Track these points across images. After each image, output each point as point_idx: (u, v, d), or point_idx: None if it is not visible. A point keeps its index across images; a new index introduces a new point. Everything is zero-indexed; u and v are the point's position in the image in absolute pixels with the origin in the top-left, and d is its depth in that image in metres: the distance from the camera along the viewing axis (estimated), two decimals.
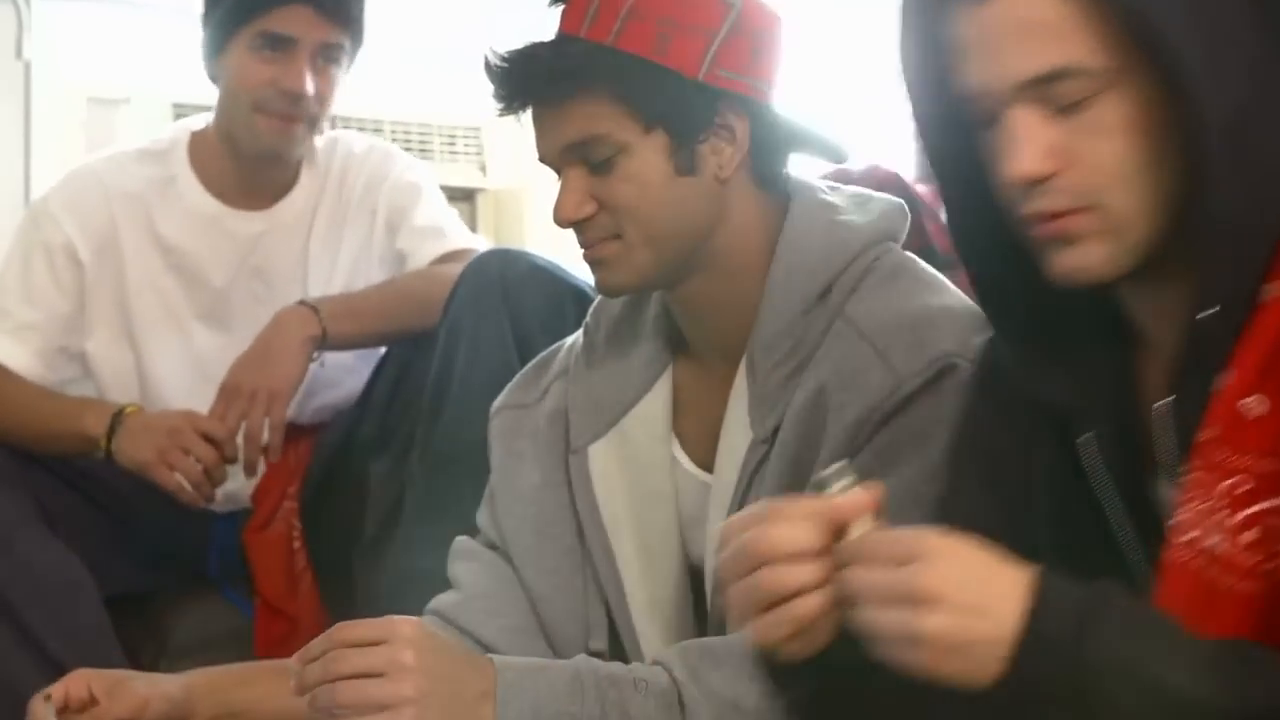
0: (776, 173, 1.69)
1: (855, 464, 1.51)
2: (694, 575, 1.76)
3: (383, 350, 2.41)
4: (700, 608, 1.74)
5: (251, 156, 2.41)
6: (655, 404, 1.75)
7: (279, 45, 2.29)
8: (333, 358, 2.39)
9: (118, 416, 2.25)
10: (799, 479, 1.58)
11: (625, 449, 1.76)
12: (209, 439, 2.18)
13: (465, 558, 1.84)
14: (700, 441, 1.73)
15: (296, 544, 2.45)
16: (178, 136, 2.49)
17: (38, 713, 1.54)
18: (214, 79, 2.39)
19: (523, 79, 1.60)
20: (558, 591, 1.80)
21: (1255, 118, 1.06)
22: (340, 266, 2.48)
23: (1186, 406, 1.13)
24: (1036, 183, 1.12)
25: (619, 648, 1.78)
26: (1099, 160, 1.10)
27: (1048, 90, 1.10)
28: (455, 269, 2.25)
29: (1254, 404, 1.06)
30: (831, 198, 1.71)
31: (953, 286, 1.64)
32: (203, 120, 2.50)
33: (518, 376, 1.89)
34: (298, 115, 2.33)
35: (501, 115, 1.64)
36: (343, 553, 2.34)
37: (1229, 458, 1.06)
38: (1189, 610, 1.06)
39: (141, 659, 2.36)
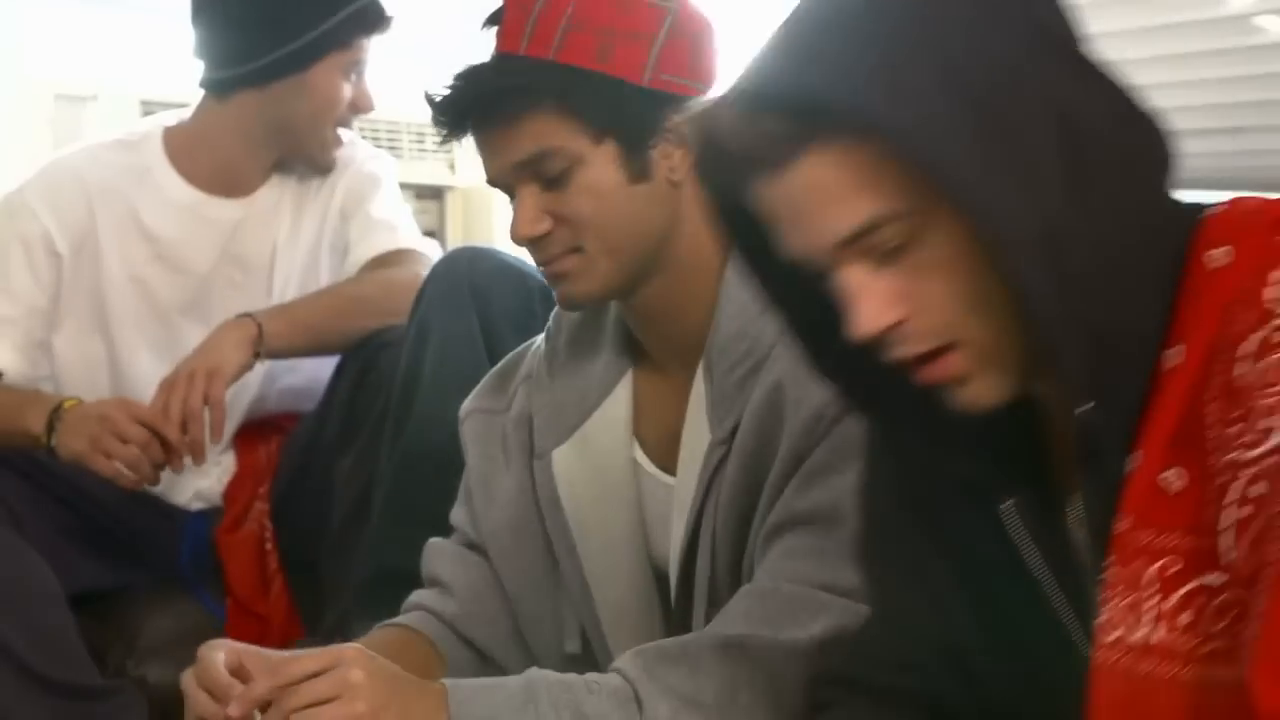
0: None
1: (812, 463, 1.53)
2: (660, 579, 1.76)
3: None
4: (667, 609, 1.75)
5: (303, 163, 2.47)
6: (616, 408, 1.76)
7: (360, 69, 2.41)
8: None
9: (56, 412, 2.24)
10: (757, 478, 1.59)
11: (588, 453, 1.77)
12: (143, 425, 2.18)
13: (449, 559, 1.85)
14: (662, 445, 1.73)
15: (269, 545, 2.45)
16: (150, 130, 2.50)
17: (215, 673, 1.48)
18: (233, 86, 2.40)
19: (469, 102, 1.59)
20: (533, 593, 1.81)
21: (1067, 227, 1.04)
22: (300, 253, 2.49)
23: (1092, 499, 1.12)
24: (888, 333, 1.10)
25: (593, 652, 1.79)
26: (939, 299, 1.08)
27: (866, 243, 1.08)
28: (397, 274, 2.27)
29: (1173, 478, 1.05)
30: None
31: None
32: (174, 116, 2.50)
33: (485, 380, 1.90)
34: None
35: (446, 141, 1.63)
36: (312, 552, 2.34)
37: (1154, 540, 1.05)
38: (1123, 714, 1.05)
39: (109, 658, 2.35)
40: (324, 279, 2.50)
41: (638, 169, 1.60)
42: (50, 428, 2.23)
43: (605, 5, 1.58)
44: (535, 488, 1.79)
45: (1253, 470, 0.99)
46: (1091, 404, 1.07)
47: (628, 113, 1.58)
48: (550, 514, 1.78)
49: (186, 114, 2.49)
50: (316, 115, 2.40)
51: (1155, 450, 1.06)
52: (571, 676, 1.50)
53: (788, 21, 1.12)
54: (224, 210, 2.46)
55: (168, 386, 2.20)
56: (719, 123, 1.12)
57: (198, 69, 2.43)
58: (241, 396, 2.43)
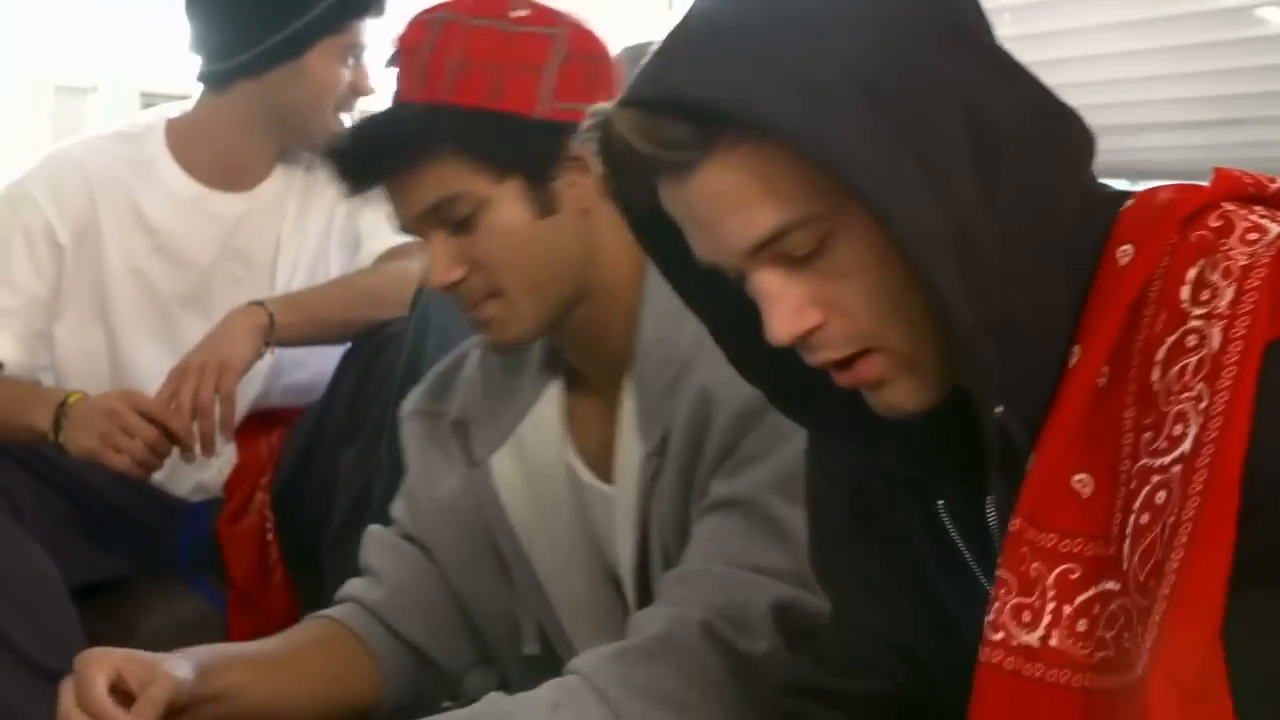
0: None
1: (739, 453, 1.52)
2: (617, 575, 1.75)
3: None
4: (627, 600, 1.73)
5: (307, 150, 2.45)
6: (547, 411, 1.74)
7: (358, 52, 2.41)
8: None
9: (61, 408, 2.24)
10: (693, 484, 1.59)
11: (524, 457, 1.76)
12: (150, 418, 2.18)
13: (383, 548, 1.84)
14: (596, 454, 1.72)
15: (270, 536, 2.45)
16: (153, 122, 2.50)
17: (96, 697, 1.49)
18: (231, 77, 2.40)
19: (367, 157, 1.58)
20: (487, 595, 1.81)
21: (979, 224, 1.03)
22: (306, 249, 2.49)
23: (1001, 499, 1.10)
24: (805, 338, 1.07)
25: (555, 649, 1.79)
26: (854, 302, 1.06)
27: (778, 248, 1.05)
28: (409, 265, 2.27)
29: (1083, 483, 1.03)
30: None
31: None
32: (177, 108, 2.50)
33: (427, 379, 1.88)
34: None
35: (352, 196, 1.61)
36: (313, 544, 2.34)
37: (1057, 544, 1.04)
38: (1005, 715, 1.04)
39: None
40: (333, 272, 2.50)
41: (545, 203, 1.58)
42: (57, 424, 2.23)
43: (491, 41, 1.56)
44: (477, 494, 1.79)
45: (1159, 478, 0.98)
46: (1003, 406, 1.05)
47: (527, 148, 1.56)
48: (494, 519, 1.78)
49: (188, 106, 2.49)
50: (314, 100, 2.40)
51: (1055, 450, 1.04)
52: (531, 697, 1.47)
53: (685, 22, 1.08)
54: (226, 204, 2.46)
55: (178, 376, 2.20)
56: (618, 128, 1.08)
57: (195, 64, 2.43)
58: (246, 390, 2.43)
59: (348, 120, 2.46)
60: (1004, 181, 1.04)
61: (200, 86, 2.46)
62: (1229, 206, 1.04)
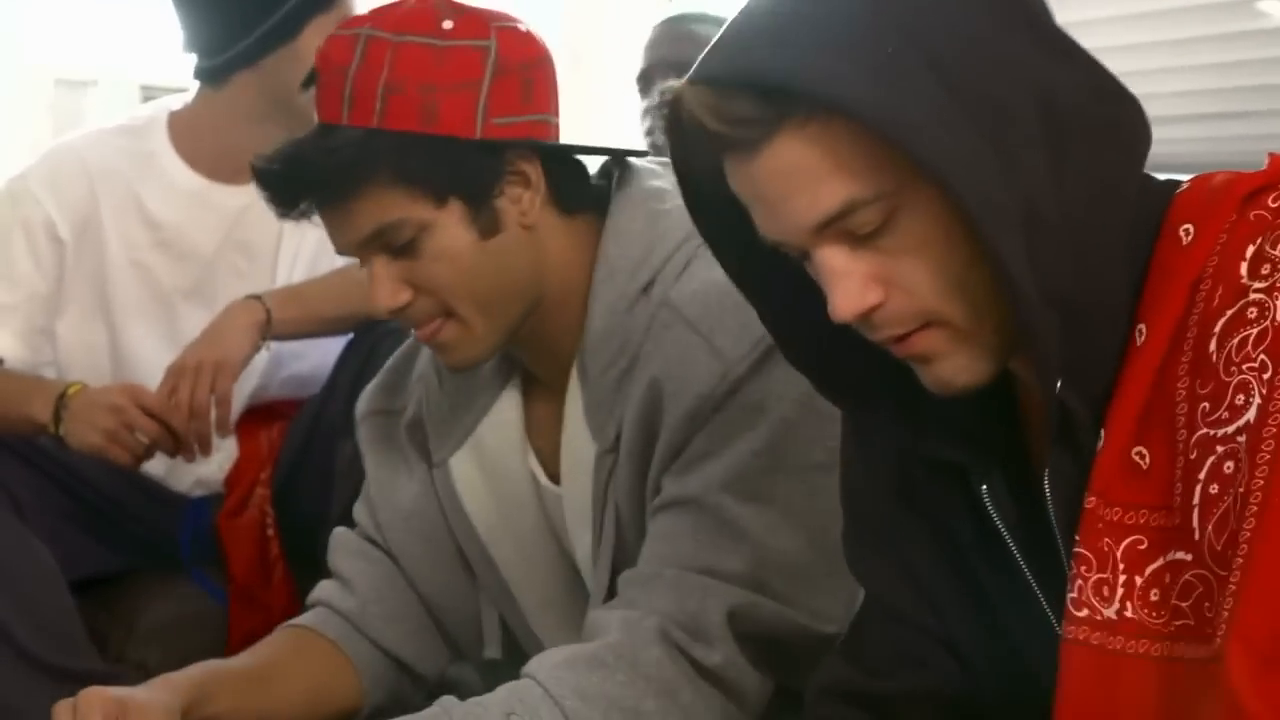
0: (580, 194, 1.63)
1: (690, 450, 1.52)
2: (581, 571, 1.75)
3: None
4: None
5: (254, 174, 2.41)
6: (505, 411, 1.73)
7: None
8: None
9: (61, 400, 2.24)
10: (647, 478, 1.57)
11: (484, 457, 1.75)
12: (152, 414, 2.18)
13: (351, 554, 1.82)
14: (553, 455, 1.70)
15: (270, 531, 2.45)
16: (155, 115, 2.48)
17: None
18: (231, 67, 2.38)
19: (298, 186, 1.53)
20: (452, 599, 1.80)
21: (1047, 203, 1.04)
22: (307, 242, 2.48)
23: (1062, 476, 1.11)
24: (867, 315, 1.08)
25: (517, 652, 1.78)
26: (917, 279, 1.07)
27: (843, 225, 1.06)
28: None
29: (1142, 454, 1.05)
30: (660, 181, 1.65)
31: None
32: (179, 100, 2.49)
33: (380, 377, 1.86)
34: None
35: (284, 219, 1.57)
36: (313, 539, 2.34)
37: (1122, 517, 1.05)
38: (1092, 690, 1.05)
39: (110, 643, 2.35)
40: (336, 263, 2.48)
41: (487, 224, 1.54)
42: (57, 416, 2.23)
43: (421, 59, 1.50)
44: (438, 495, 1.77)
45: (1224, 448, 0.99)
46: (1063, 381, 1.07)
47: (466, 171, 1.51)
48: (456, 521, 1.76)
49: (190, 98, 2.48)
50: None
51: (1122, 427, 1.06)
52: (482, 704, 1.47)
53: (751, 2, 1.10)
54: (228, 196, 2.45)
55: (175, 375, 2.20)
56: (688, 106, 1.09)
57: (191, 62, 2.42)
58: (244, 384, 2.43)
59: None
60: (1071, 161, 1.05)
61: (197, 81, 2.44)
62: None
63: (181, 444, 2.19)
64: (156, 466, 2.40)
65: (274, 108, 2.39)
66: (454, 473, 1.75)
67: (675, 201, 1.59)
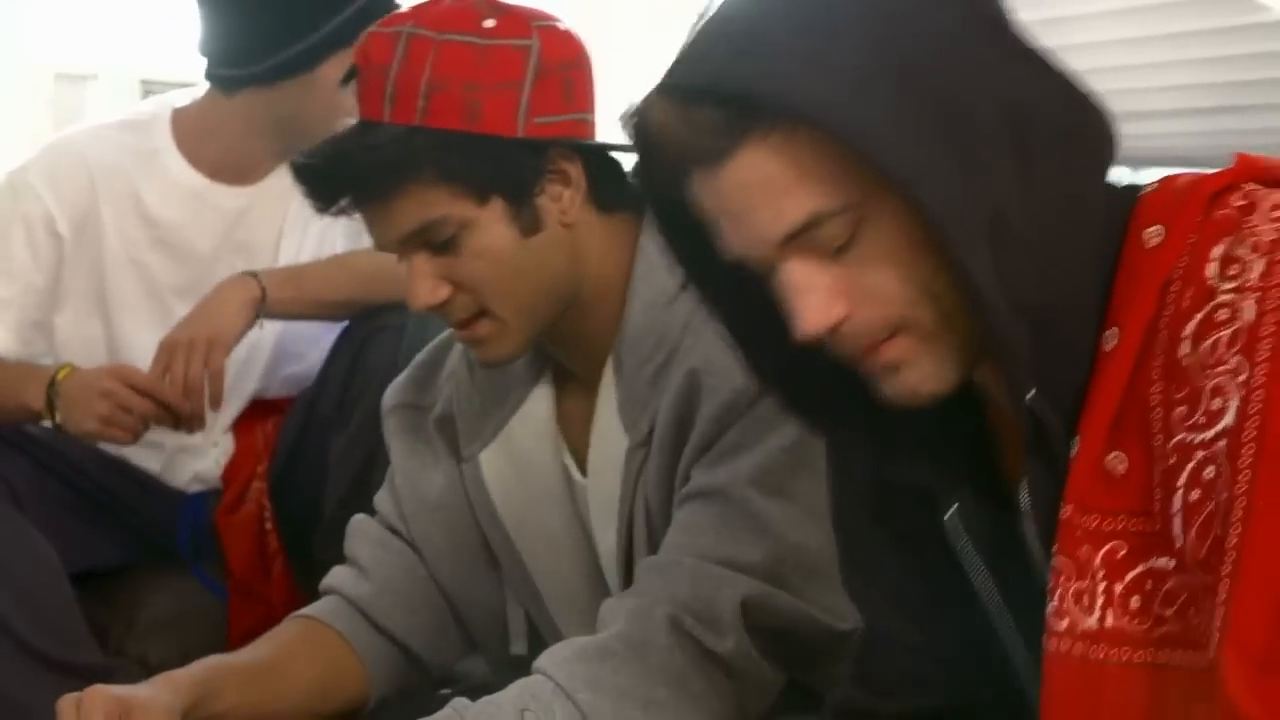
0: (618, 193, 1.63)
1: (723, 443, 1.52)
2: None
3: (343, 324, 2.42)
4: None
5: (294, 170, 2.41)
6: (538, 406, 1.73)
7: None
8: (294, 328, 2.42)
9: (52, 385, 2.25)
10: (677, 471, 1.58)
11: (514, 452, 1.75)
12: (144, 392, 2.19)
13: (370, 541, 1.82)
14: (583, 449, 1.70)
15: (268, 525, 2.45)
16: (159, 111, 2.48)
17: None
18: (243, 82, 2.38)
19: (339, 183, 1.55)
20: (474, 594, 1.80)
21: (1013, 210, 1.02)
22: (308, 241, 2.48)
23: (1039, 487, 1.10)
24: (833, 330, 1.07)
25: (542, 648, 1.79)
26: (885, 289, 1.05)
27: (809, 239, 1.05)
28: None
29: (1117, 461, 1.04)
30: None
31: None
32: (186, 96, 2.49)
33: (409, 371, 1.87)
34: None
35: (324, 215, 1.59)
36: (310, 532, 2.34)
37: (1100, 524, 1.04)
38: (1076, 701, 1.04)
39: (110, 636, 2.36)
40: None
41: (529, 222, 1.55)
42: (50, 402, 2.24)
43: (464, 57, 1.51)
44: (466, 490, 1.77)
45: (1203, 454, 0.98)
46: (1035, 390, 1.06)
47: (508, 169, 1.53)
48: (484, 516, 1.77)
49: (197, 93, 2.47)
50: (325, 112, 2.32)
51: (1096, 434, 1.05)
52: (495, 702, 1.47)
53: (719, 11, 1.09)
54: (228, 197, 2.45)
55: (168, 351, 2.21)
56: (654, 116, 1.08)
57: (202, 62, 2.42)
58: (243, 385, 2.44)
59: None
60: (1038, 167, 1.04)
61: (206, 81, 2.44)
62: (1252, 186, 1.05)
63: (179, 418, 2.20)
64: (153, 462, 2.41)
65: (279, 127, 2.39)
66: (484, 468, 1.75)
67: None
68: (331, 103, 2.34)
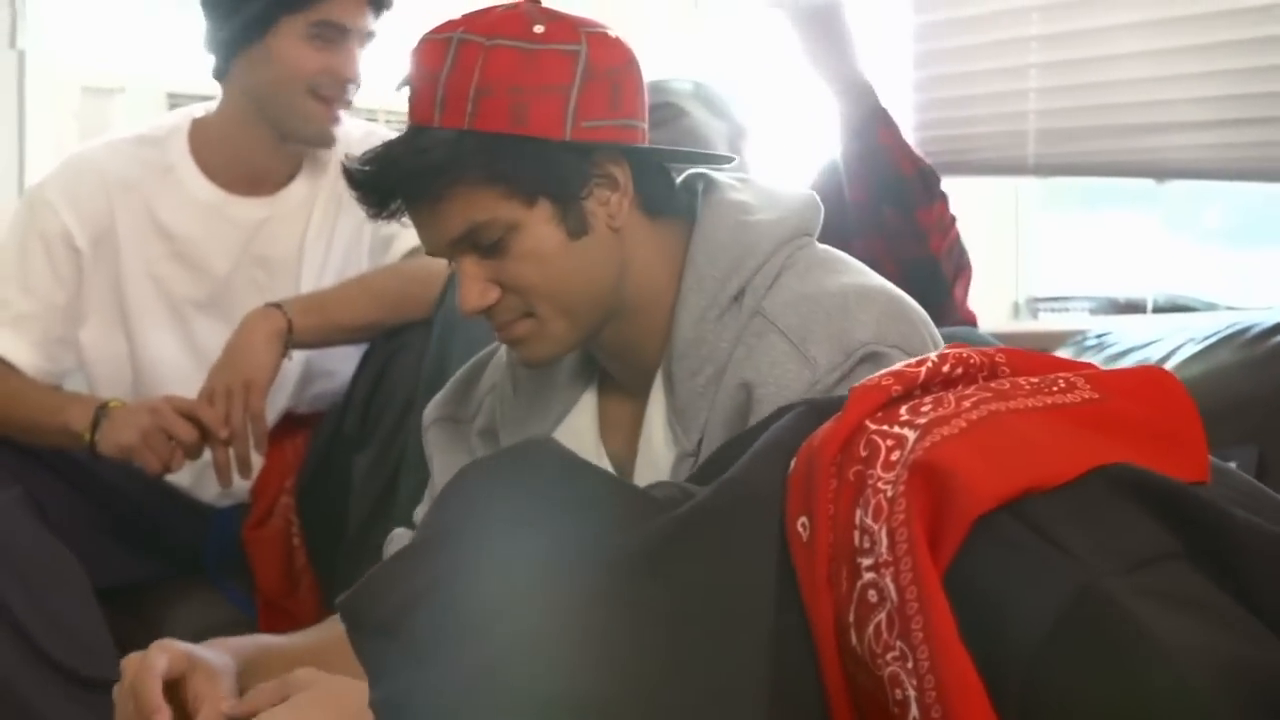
0: (667, 198, 1.66)
1: None
2: None
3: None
4: None
5: (297, 141, 2.43)
6: (582, 419, 1.74)
7: (333, 33, 2.33)
8: None
9: (102, 410, 2.26)
10: None
11: None
12: (186, 415, 2.19)
13: None
14: (627, 458, 1.71)
15: (296, 540, 2.45)
16: (178, 124, 2.49)
17: (148, 688, 1.50)
18: (223, 68, 2.40)
19: (390, 186, 1.57)
20: None
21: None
22: (334, 255, 2.49)
23: None
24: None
25: None
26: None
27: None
28: (432, 264, 2.27)
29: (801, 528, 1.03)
30: (741, 194, 1.68)
31: (871, 273, 1.64)
32: (203, 108, 2.49)
33: (449, 385, 1.87)
34: (346, 100, 2.39)
35: (374, 219, 1.61)
36: (335, 548, 2.34)
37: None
38: None
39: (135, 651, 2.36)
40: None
41: (576, 225, 1.57)
42: (95, 424, 2.24)
43: (513, 63, 1.53)
44: None
45: None
46: None
47: (555, 172, 1.55)
48: None
49: (213, 106, 2.48)
50: (282, 83, 2.35)
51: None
52: None
53: None
54: (247, 209, 2.45)
55: (206, 399, 2.21)
56: None
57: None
58: (274, 403, 2.44)
59: (345, 115, 2.44)
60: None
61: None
62: (873, 426, 1.03)
63: (221, 470, 2.20)
64: (183, 477, 2.42)
65: (258, 113, 2.39)
66: None
67: (760, 215, 1.64)
68: (287, 76, 2.33)
